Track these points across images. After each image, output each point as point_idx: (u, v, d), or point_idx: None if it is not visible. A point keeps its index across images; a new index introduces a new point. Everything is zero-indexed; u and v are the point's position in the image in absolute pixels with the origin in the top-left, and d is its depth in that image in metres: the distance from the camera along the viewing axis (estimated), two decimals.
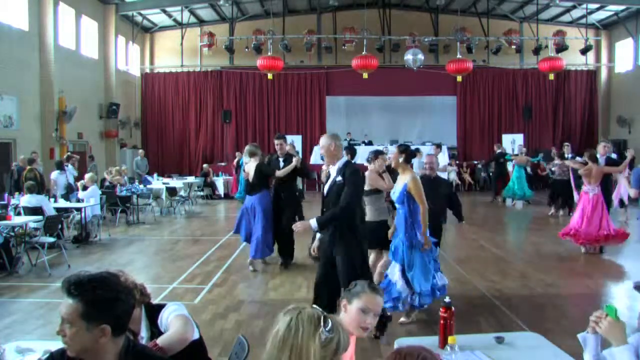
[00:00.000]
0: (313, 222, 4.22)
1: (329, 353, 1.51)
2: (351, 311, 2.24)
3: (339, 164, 4.36)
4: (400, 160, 4.85)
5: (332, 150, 4.36)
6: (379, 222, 5.67)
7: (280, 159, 7.51)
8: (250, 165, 7.30)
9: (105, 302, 1.62)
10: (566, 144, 14.06)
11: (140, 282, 2.47)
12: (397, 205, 4.94)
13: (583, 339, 1.96)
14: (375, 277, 5.70)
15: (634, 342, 1.91)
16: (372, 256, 5.74)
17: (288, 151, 7.82)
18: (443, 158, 11.56)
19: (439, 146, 12.26)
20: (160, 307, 2.44)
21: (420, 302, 4.78)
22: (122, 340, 1.72)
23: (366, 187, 5.56)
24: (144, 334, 2.33)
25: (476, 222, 11.62)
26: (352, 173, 4.29)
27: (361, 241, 4.39)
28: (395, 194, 4.92)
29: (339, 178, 4.29)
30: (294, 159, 7.43)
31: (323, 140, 4.42)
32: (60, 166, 11.73)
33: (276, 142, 7.55)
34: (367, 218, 5.60)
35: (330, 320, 1.55)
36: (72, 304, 1.61)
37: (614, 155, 17.63)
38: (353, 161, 5.79)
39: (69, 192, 11.04)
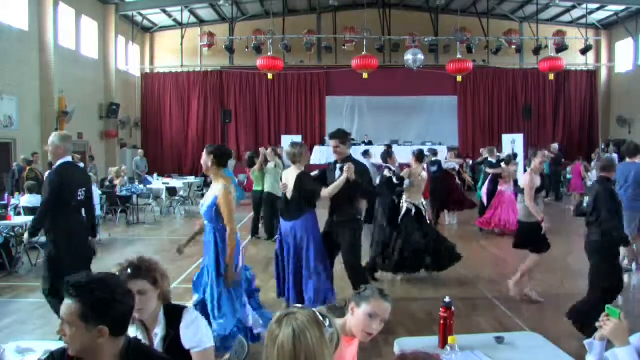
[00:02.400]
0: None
1: (334, 347, 1.50)
2: (358, 315, 2.22)
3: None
4: (211, 164, 3.96)
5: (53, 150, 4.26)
6: (529, 224, 5.58)
7: (338, 166, 4.94)
8: (289, 175, 4.93)
9: (103, 304, 1.64)
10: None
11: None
12: (205, 222, 4.05)
13: (590, 345, 1.98)
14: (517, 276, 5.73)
15: (635, 342, 1.93)
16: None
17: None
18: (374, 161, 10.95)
19: (366, 152, 11.65)
20: (180, 309, 2.37)
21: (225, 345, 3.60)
22: (123, 340, 1.74)
23: (520, 185, 5.76)
24: (159, 331, 2.30)
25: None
26: (48, 176, 4.17)
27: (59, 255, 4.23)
28: (203, 206, 4.03)
29: None
30: (345, 167, 4.66)
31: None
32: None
33: (331, 143, 5.05)
34: (519, 218, 5.76)
35: (327, 316, 1.53)
36: (72, 305, 1.63)
37: (614, 155, 17.74)
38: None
39: None
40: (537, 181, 5.61)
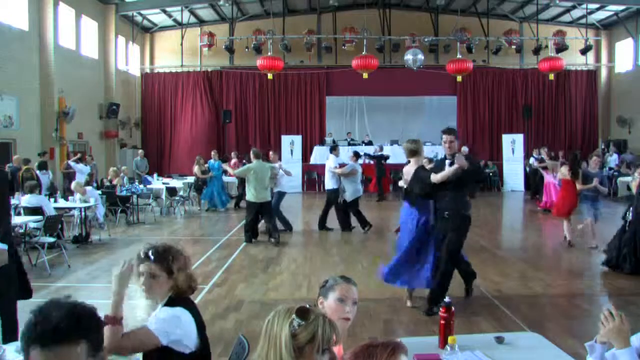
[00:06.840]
0: None
1: (302, 342, 1.58)
2: (329, 305, 2.26)
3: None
4: None
5: None
6: None
7: (447, 162, 5.20)
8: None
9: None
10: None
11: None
12: None
13: (590, 347, 1.98)
14: None
15: (636, 343, 1.93)
16: None
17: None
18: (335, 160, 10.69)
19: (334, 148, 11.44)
20: (177, 302, 2.42)
21: None
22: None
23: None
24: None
25: (476, 222, 11.59)
26: None
27: None
28: None
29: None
30: (456, 158, 5.02)
31: None
32: (43, 166, 11.83)
33: (446, 138, 5.30)
34: None
35: (308, 313, 1.62)
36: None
37: (614, 156, 17.74)
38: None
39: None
40: None
